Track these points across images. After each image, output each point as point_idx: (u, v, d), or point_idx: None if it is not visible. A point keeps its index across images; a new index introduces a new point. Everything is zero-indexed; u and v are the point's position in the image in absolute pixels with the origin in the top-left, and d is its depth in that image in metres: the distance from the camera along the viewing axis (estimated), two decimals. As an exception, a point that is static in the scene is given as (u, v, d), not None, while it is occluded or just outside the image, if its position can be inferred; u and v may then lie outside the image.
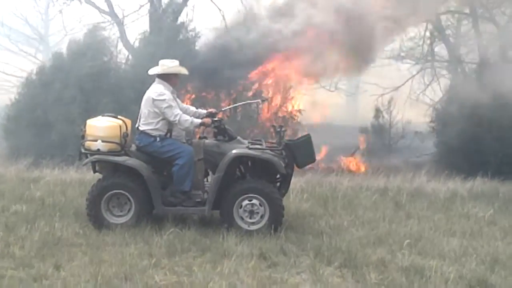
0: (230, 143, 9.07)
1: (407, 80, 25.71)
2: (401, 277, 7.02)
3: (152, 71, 9.10)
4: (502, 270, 7.49)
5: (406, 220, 10.03)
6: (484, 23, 21.94)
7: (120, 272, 6.87)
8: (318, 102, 23.36)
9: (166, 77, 9.04)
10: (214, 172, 8.97)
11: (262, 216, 8.71)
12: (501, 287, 6.89)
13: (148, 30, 21.31)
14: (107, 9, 24.92)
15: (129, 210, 8.81)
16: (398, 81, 25.69)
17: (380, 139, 22.07)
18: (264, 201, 8.69)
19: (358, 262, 7.48)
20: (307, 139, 9.29)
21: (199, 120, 9.00)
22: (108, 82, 18.98)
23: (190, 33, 20.56)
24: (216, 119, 9.22)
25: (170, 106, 8.80)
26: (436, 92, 24.87)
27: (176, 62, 9.17)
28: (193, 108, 9.55)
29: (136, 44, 21.90)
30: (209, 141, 9.25)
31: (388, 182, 13.61)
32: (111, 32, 23.54)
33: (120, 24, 24.09)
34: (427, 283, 6.85)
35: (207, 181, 9.32)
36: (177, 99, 9.21)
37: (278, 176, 9.17)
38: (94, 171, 9.27)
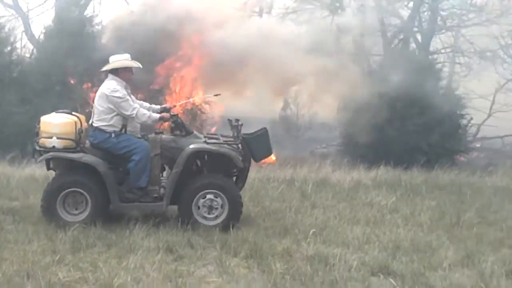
0: (187, 138, 9.04)
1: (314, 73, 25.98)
2: (306, 266, 7.13)
3: (104, 68, 9.00)
4: (403, 256, 7.70)
5: (312, 210, 10.20)
6: (388, 16, 22.46)
7: (22, 269, 6.70)
8: (228, 95, 23.35)
9: (117, 72, 8.94)
10: (171, 167, 8.92)
11: (221, 212, 8.73)
12: (402, 272, 7.06)
13: (53, 23, 20.81)
14: (11, 2, 24.22)
15: (85, 208, 8.65)
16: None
17: (288, 131, 22.30)
18: (223, 196, 8.71)
19: (264, 252, 7.56)
20: (264, 133, 9.30)
21: (157, 115, 8.95)
22: (10, 76, 18.44)
23: (96, 27, 20.19)
24: (173, 113, 9.17)
25: (126, 100, 8.72)
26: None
27: (126, 56, 9.07)
28: (146, 104, 9.46)
29: (42, 37, 21.36)
30: (166, 136, 9.19)
31: (295, 173, 13.79)
32: (15, 25, 22.89)
33: (24, 17, 23.47)
34: (331, 271, 6.97)
35: (162, 176, 9.25)
36: (131, 95, 9.10)
37: (234, 170, 9.20)
38: (48, 168, 9.06)
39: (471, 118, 19.48)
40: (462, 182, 14.00)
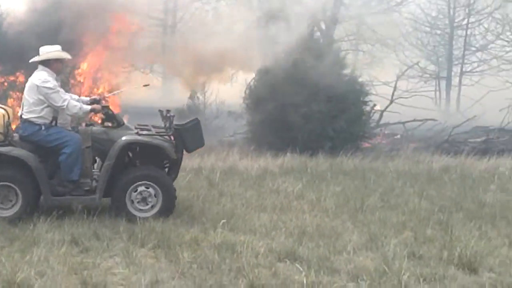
0: (119, 130, 8.91)
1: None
2: (214, 254, 7.16)
3: (33, 59, 8.79)
4: (309, 241, 7.84)
5: (219, 198, 10.25)
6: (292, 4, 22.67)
7: None
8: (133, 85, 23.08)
9: (48, 63, 8.72)
10: (103, 159, 8.79)
11: (155, 203, 8.69)
12: (308, 257, 7.18)
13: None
14: None
15: (15, 202, 8.42)
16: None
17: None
18: (157, 188, 8.67)
19: (172, 242, 7.55)
20: (196, 124, 9.28)
21: (88, 106, 8.81)
22: None
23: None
24: (104, 105, 9.05)
25: (57, 91, 8.54)
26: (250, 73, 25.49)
27: (56, 47, 8.88)
28: (75, 96, 9.30)
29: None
30: (97, 128, 9.04)
31: (202, 162, 13.83)
32: None
33: None
34: (238, 258, 7.02)
35: (93, 168, 9.07)
36: (61, 88, 8.85)
37: (166, 161, 9.16)
38: None
39: (374, 105, 19.94)
40: (366, 167, 14.36)
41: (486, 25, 37.63)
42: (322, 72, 16.51)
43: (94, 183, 8.80)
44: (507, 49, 37.22)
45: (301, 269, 6.73)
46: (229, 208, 9.50)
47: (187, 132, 9.12)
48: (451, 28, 38.29)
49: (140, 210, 8.68)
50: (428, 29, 38.66)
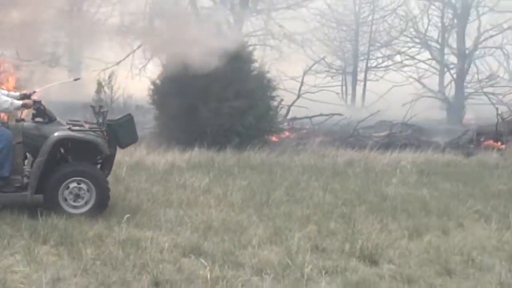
0: (50, 125, 8.70)
1: (127, 55, 25.83)
2: (118, 250, 7.08)
3: None
4: (214, 236, 7.87)
5: (125, 193, 10.14)
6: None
7: None
8: (37, 79, 22.59)
9: None
10: (34, 155, 8.58)
11: (88, 199, 8.56)
12: (213, 252, 7.21)
13: None
14: None
15: None
16: (120, 56, 25.76)
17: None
18: (90, 184, 8.53)
19: (75, 239, 7.41)
20: (130, 119, 9.19)
21: (20, 102, 8.59)
22: None
23: None
24: (36, 100, 8.83)
25: None
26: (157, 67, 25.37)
27: None
28: (4, 91, 9.07)
29: None
30: (28, 123, 8.79)
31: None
32: None
33: None
34: (143, 254, 6.98)
35: (24, 165, 8.85)
36: None
37: (99, 157, 9.05)
38: None
39: (282, 100, 20.18)
40: (273, 161, 14.52)
41: (390, 21, 38.62)
42: (232, 68, 16.57)
43: (25, 180, 8.64)
44: (410, 45, 38.31)
45: (206, 264, 6.73)
46: (135, 204, 9.43)
47: (121, 128, 9.04)
48: (357, 24, 39.10)
49: (74, 206, 8.56)
50: (334, 25, 39.34)
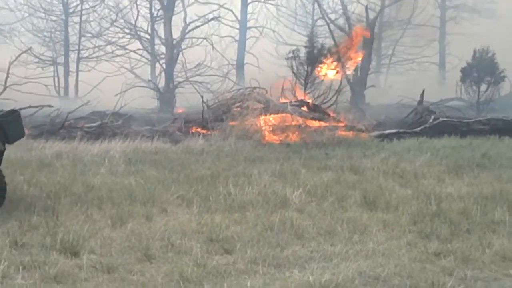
0: None
1: None
2: None
3: None
4: None
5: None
6: None
7: None
8: None
9: None
10: None
11: None
12: None
13: None
14: None
15: None
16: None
17: None
18: None
19: None
20: (17, 116, 9.03)
21: None
22: None
23: None
24: None
25: None
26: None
27: None
28: None
29: None
30: None
31: None
32: None
33: None
34: None
35: None
36: None
37: None
38: None
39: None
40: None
41: (100, 12, 38.41)
42: None
43: None
44: (120, 35, 38.45)
45: None
46: None
47: (9, 124, 8.91)
48: (66, 14, 38.34)
49: None
50: (43, 14, 38.28)
